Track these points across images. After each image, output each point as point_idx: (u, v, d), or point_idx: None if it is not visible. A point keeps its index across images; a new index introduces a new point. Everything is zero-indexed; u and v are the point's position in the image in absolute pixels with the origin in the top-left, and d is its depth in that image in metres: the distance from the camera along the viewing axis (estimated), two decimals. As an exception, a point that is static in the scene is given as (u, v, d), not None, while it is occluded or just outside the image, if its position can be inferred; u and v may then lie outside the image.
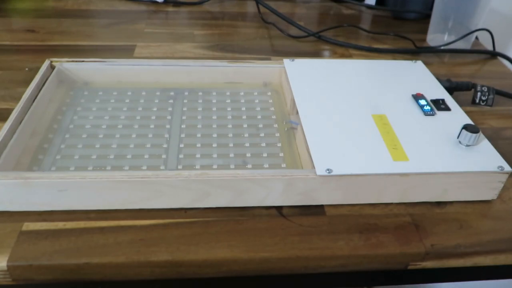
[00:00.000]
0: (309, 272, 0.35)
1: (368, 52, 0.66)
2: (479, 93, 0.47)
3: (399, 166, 0.37)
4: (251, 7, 0.81)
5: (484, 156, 0.39)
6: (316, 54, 0.65)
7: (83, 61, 0.50)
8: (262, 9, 0.75)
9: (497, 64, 0.65)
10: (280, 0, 0.85)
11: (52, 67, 0.49)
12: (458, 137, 0.40)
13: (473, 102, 0.51)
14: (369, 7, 0.83)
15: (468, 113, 0.45)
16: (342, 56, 0.65)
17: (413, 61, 0.54)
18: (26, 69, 0.55)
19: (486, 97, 0.48)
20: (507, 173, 0.38)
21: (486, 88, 0.47)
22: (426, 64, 0.64)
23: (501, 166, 0.38)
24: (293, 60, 0.51)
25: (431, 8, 0.70)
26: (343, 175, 0.36)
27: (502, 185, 0.38)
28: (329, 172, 0.36)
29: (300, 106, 0.44)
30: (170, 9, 0.77)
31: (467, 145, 0.39)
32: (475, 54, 0.68)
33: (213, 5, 0.81)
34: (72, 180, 0.34)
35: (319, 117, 0.42)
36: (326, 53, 0.65)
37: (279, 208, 0.37)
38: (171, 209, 0.37)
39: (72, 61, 0.50)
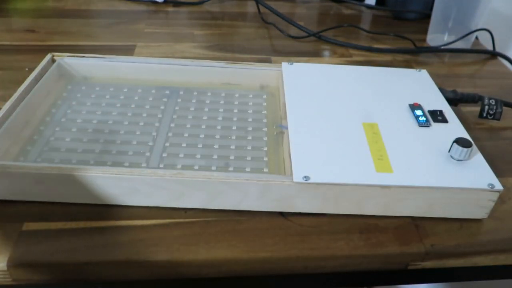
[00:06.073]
0: (309, 272, 0.35)
1: (368, 52, 0.66)
2: (486, 107, 0.43)
3: (381, 177, 0.35)
4: (251, 7, 0.81)
5: (475, 172, 0.36)
6: (316, 54, 0.65)
7: (83, 56, 0.50)
8: (262, 9, 0.76)
9: (497, 64, 0.65)
10: (280, 0, 0.85)
11: (53, 62, 0.50)
12: (449, 151, 0.38)
13: (480, 116, 0.47)
14: (369, 7, 0.83)
15: (474, 127, 0.42)
16: (342, 56, 0.65)
17: (418, 70, 0.52)
18: (26, 69, 0.55)
19: (494, 111, 0.43)
20: (498, 191, 0.35)
21: (493, 101, 0.43)
22: (426, 64, 0.64)
23: (491, 184, 0.35)
24: (291, 64, 0.51)
25: (431, 8, 0.70)
26: (320, 183, 0.35)
27: (493, 203, 0.36)
28: (306, 180, 0.34)
29: (291, 111, 0.43)
30: (170, 9, 0.77)
31: (458, 160, 0.37)
32: (475, 54, 0.68)
33: (213, 5, 0.81)
34: (47, 172, 0.34)
35: (308, 122, 0.41)
36: (326, 53, 0.65)
37: (279, 208, 0.37)
38: (168, 208, 0.37)
39: (74, 56, 0.50)
